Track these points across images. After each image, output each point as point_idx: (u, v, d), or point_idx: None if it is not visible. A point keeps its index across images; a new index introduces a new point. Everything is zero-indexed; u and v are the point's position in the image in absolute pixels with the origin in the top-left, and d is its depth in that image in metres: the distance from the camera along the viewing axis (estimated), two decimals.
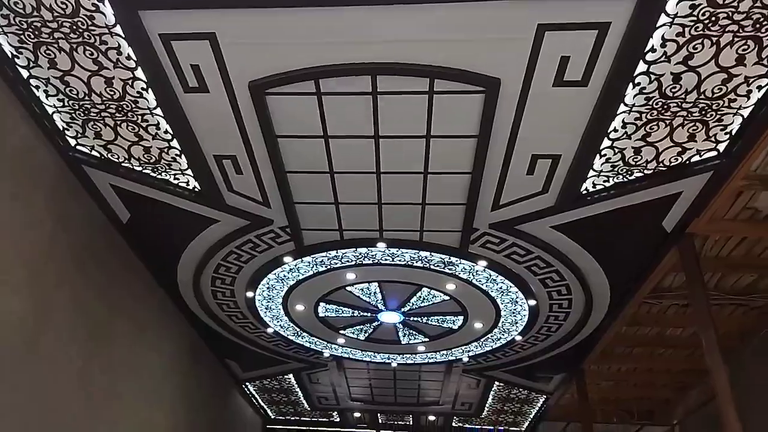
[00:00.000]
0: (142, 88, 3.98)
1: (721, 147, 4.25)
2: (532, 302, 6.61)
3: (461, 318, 7.43)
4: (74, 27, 3.53)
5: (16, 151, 4.32)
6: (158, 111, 4.18)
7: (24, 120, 4.33)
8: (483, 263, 6.02)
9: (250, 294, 6.90)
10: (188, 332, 8.16)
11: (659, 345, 8.21)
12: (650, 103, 3.85)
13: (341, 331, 8.09)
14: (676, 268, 5.83)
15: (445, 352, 8.58)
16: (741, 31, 3.32)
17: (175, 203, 5.30)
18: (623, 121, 4.03)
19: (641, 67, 3.57)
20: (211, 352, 9.15)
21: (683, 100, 3.83)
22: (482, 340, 7.96)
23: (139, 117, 4.26)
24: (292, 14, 3.38)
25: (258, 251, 6.10)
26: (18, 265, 4.42)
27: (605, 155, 4.37)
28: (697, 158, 4.37)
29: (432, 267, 6.29)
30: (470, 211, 5.16)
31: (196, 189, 5.09)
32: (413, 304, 7.28)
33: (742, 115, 3.95)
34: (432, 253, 6.00)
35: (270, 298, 7.10)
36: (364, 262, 6.31)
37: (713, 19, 3.25)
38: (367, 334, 8.20)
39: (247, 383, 10.78)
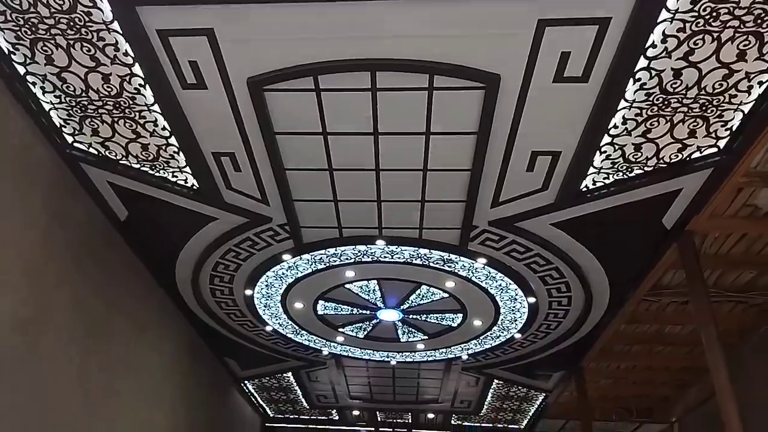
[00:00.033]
0: (140, 85, 3.96)
1: (722, 143, 4.24)
2: (532, 300, 6.60)
3: (460, 316, 7.42)
4: (71, 23, 3.51)
5: (13, 148, 4.29)
6: (156, 108, 4.16)
7: (21, 117, 4.30)
8: (482, 260, 6.00)
9: (248, 292, 6.88)
10: (187, 331, 8.13)
11: (658, 342, 8.21)
12: (651, 99, 3.84)
13: (340, 329, 8.08)
14: (675, 265, 5.82)
15: (444, 349, 8.58)
16: (742, 26, 3.30)
17: (174, 201, 5.27)
18: (623, 117, 4.01)
19: (642, 62, 3.55)
20: (210, 351, 9.13)
21: (684, 96, 3.81)
22: (481, 337, 7.95)
23: (137, 114, 4.24)
24: (291, 10, 3.36)
25: (257, 249, 6.08)
26: (16, 263, 4.39)
27: (605, 152, 4.36)
28: (697, 155, 4.36)
29: (431, 264, 6.28)
30: (470, 209, 5.15)
31: (194, 186, 5.06)
32: (412, 302, 7.27)
33: (742, 111, 3.94)
34: (431, 251, 5.98)
35: (269, 296, 7.08)
36: (363, 259, 6.29)
37: (714, 14, 3.23)
38: (366, 332, 8.19)
39: (245, 381, 10.76)
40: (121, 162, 4.82)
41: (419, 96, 3.97)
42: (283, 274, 6.58)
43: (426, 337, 8.18)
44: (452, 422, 12.40)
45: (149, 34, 3.55)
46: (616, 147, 4.30)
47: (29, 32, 3.61)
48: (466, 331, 7.78)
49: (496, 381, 9.93)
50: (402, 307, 7.40)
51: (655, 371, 9.30)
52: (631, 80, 3.69)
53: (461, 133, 4.31)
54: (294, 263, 6.36)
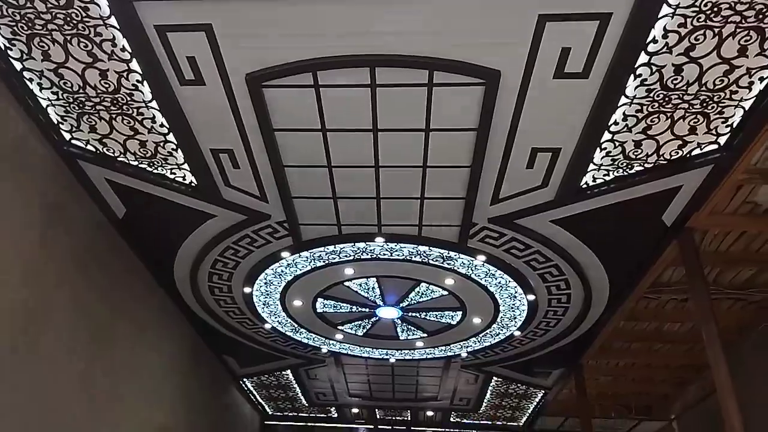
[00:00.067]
0: (138, 81, 3.93)
1: (722, 140, 4.23)
2: (531, 297, 6.59)
3: (460, 313, 7.41)
4: (68, 18, 3.48)
5: (10, 145, 4.26)
6: (154, 104, 4.13)
7: (18, 114, 4.27)
8: (482, 258, 5.99)
9: (247, 290, 6.87)
10: (187, 330, 8.12)
11: (657, 340, 8.20)
12: (651, 95, 3.82)
13: (339, 327, 8.06)
14: (675, 263, 5.82)
15: (443, 347, 8.57)
16: (743, 21, 3.29)
17: (172, 198, 5.25)
18: (624, 113, 4.00)
19: (643, 58, 3.54)
20: (209, 349, 9.12)
21: (684, 92, 3.80)
22: (481, 335, 7.95)
23: (135, 110, 4.21)
24: (290, 5, 3.34)
25: (255, 246, 6.06)
26: (16, 263, 4.37)
27: (605, 148, 4.34)
28: (697, 151, 4.35)
29: (431, 262, 6.26)
30: (469, 206, 5.13)
31: (192, 184, 5.04)
32: (412, 300, 7.25)
33: (743, 108, 3.92)
34: (431, 248, 5.97)
35: (267, 294, 7.06)
36: (362, 257, 6.28)
37: (715, 9, 3.22)
38: (365, 330, 8.17)
39: (244, 379, 10.75)
40: (119, 159, 4.80)
41: (419, 92, 3.95)
42: (282, 271, 6.56)
43: (425, 335, 8.17)
44: (451, 420, 12.40)
45: (147, 30, 3.52)
46: (617, 143, 4.29)
47: (26, 27, 3.58)
48: (466, 328, 7.77)
49: (495, 378, 9.93)
50: (401, 304, 7.38)
51: (655, 369, 9.29)
52: (632, 76, 3.67)
53: (461, 130, 4.29)
54: (293, 261, 6.34)
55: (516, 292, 6.62)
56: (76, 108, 4.24)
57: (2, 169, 4.19)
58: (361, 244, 6.02)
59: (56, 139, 4.58)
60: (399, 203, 5.26)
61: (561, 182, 4.75)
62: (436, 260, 6.22)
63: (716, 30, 3.34)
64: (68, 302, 5.10)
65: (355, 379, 10.55)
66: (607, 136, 4.21)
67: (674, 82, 3.71)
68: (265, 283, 6.80)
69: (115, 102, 4.14)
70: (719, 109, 3.94)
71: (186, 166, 4.80)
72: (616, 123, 4.09)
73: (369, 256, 6.26)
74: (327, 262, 6.39)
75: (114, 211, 5.60)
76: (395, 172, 4.82)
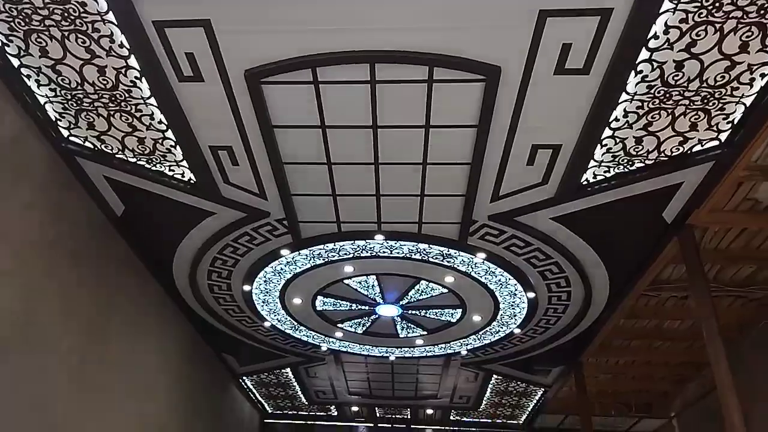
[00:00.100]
0: (136, 77, 3.91)
1: (723, 136, 4.21)
2: (531, 295, 6.58)
3: (460, 311, 7.40)
4: (66, 14, 3.46)
5: (7, 142, 4.24)
6: (152, 101, 4.11)
7: (15, 111, 4.25)
8: (482, 255, 5.97)
9: (246, 287, 6.85)
10: (186, 328, 8.10)
11: (657, 338, 8.19)
12: (652, 91, 3.81)
13: (339, 325, 8.05)
14: (676, 260, 5.81)
15: (443, 345, 8.56)
16: (745, 17, 3.27)
17: (171, 195, 5.23)
18: (625, 110, 3.98)
19: (644, 54, 3.52)
20: (208, 347, 9.11)
21: (685, 89, 3.78)
22: (481, 333, 7.94)
23: (133, 107, 4.19)
24: (289, 0, 3.31)
25: (255, 244, 6.04)
26: (11, 259, 4.34)
27: (606, 145, 4.33)
28: (698, 148, 4.33)
29: (430, 259, 6.25)
30: (469, 203, 5.11)
31: (191, 181, 5.02)
32: (411, 297, 7.24)
33: (744, 104, 3.91)
34: (430, 246, 5.95)
35: (267, 292, 7.05)
36: (362, 254, 6.26)
37: (717, 4, 3.20)
38: (365, 328, 8.16)
39: (244, 377, 10.74)
40: (117, 156, 4.77)
41: (419, 89, 3.93)
42: (282, 269, 6.54)
43: (425, 333, 8.16)
44: (451, 418, 12.40)
45: (145, 26, 3.50)
46: (617, 140, 4.27)
47: (23, 23, 3.56)
48: (466, 326, 7.76)
49: (495, 376, 9.93)
50: (401, 302, 7.37)
51: (655, 366, 9.30)
52: (633, 72, 3.65)
53: (461, 127, 4.27)
54: (292, 258, 6.32)
55: (516, 290, 6.61)
56: (74, 104, 4.22)
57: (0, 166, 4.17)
58: (361, 242, 6.01)
59: (54, 135, 4.56)
60: (399, 200, 5.24)
61: (561, 179, 4.73)
62: (436, 258, 6.20)
63: (718, 26, 3.32)
64: (64, 299, 5.08)
65: (354, 377, 10.55)
66: (607, 132, 4.19)
67: (675, 78, 3.69)
68: (265, 281, 6.79)
69: (113, 98, 4.12)
70: (720, 105, 3.92)
71: (185, 163, 4.78)
72: (616, 119, 4.07)
73: (369, 254, 6.25)
74: (326, 259, 6.37)
75: (112, 209, 5.58)
76: (395, 169, 4.80)
